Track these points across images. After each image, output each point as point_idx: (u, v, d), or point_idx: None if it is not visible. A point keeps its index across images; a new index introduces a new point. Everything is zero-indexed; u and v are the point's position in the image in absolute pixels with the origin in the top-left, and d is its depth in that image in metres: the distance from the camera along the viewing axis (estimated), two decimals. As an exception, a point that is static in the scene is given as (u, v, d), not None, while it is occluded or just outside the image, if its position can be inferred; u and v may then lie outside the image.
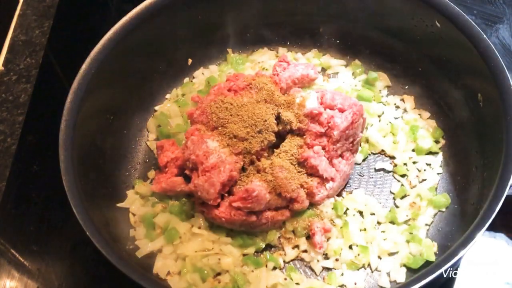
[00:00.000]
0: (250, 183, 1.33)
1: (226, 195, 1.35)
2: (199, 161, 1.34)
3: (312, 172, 1.39)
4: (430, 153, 1.54)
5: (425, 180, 1.49)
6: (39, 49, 1.78)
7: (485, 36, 1.39)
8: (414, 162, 1.52)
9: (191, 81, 1.70)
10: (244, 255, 1.38)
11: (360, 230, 1.41)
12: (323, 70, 1.71)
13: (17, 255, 1.43)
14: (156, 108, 1.65)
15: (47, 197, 1.52)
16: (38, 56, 1.76)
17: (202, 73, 1.71)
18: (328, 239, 1.40)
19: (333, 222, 1.41)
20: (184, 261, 1.36)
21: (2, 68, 1.74)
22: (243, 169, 1.38)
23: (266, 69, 1.65)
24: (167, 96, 1.67)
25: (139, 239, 1.40)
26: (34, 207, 1.51)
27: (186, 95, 1.65)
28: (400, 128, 1.56)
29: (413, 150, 1.54)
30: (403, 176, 1.51)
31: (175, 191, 1.43)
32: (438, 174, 1.50)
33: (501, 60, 1.36)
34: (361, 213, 1.44)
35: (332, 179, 1.41)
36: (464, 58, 1.45)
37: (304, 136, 1.41)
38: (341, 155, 1.44)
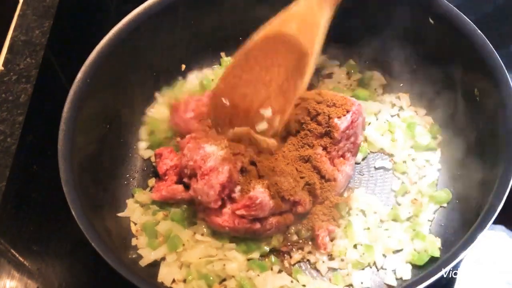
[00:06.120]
0: (253, 190, 1.32)
1: (227, 201, 1.34)
2: (197, 166, 1.33)
3: (314, 173, 1.39)
4: (429, 149, 1.54)
5: (425, 176, 1.50)
6: (39, 49, 1.77)
7: (481, 33, 1.39)
8: (413, 159, 1.52)
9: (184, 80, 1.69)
10: (248, 259, 1.37)
11: (364, 229, 1.41)
12: (318, 70, 1.70)
13: (17, 255, 1.43)
14: (148, 112, 1.63)
15: (47, 197, 1.52)
16: (38, 56, 1.76)
17: (196, 76, 1.70)
18: (332, 240, 1.39)
19: (337, 222, 1.41)
20: (188, 268, 1.35)
21: (2, 68, 1.74)
22: (243, 171, 1.37)
23: None
24: (157, 94, 1.66)
25: (141, 248, 1.39)
26: (34, 207, 1.50)
27: (178, 97, 1.63)
28: (397, 126, 1.56)
29: (412, 147, 1.54)
30: (403, 173, 1.51)
31: (176, 198, 1.42)
32: (437, 170, 1.51)
33: (499, 59, 1.36)
34: (363, 212, 1.44)
35: (335, 180, 1.40)
36: (460, 55, 1.45)
37: (305, 137, 1.41)
38: (342, 156, 1.44)
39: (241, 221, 1.32)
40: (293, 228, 1.40)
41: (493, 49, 1.37)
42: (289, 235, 1.40)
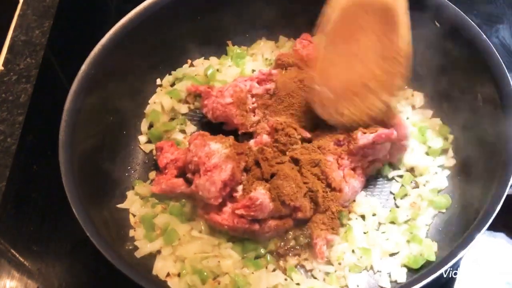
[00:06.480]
0: (254, 191, 1.32)
1: (228, 200, 1.35)
2: (201, 162, 1.34)
3: (321, 178, 1.37)
4: (442, 153, 1.52)
5: (428, 182, 1.48)
6: (39, 49, 1.77)
7: (485, 36, 1.39)
8: (428, 167, 1.49)
9: (192, 65, 1.70)
10: (243, 258, 1.37)
11: (363, 233, 1.40)
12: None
13: (17, 255, 1.43)
14: (149, 101, 1.64)
15: (47, 197, 1.52)
16: (38, 56, 1.76)
17: (202, 63, 1.71)
18: (330, 247, 1.38)
19: (336, 231, 1.38)
20: (183, 262, 1.35)
21: (2, 68, 1.74)
22: (247, 170, 1.37)
23: (270, 61, 1.67)
24: (158, 81, 1.67)
25: (138, 240, 1.40)
26: (34, 207, 1.51)
27: (182, 82, 1.65)
28: (412, 137, 1.52)
29: (426, 153, 1.52)
30: (412, 181, 1.49)
31: (175, 192, 1.42)
32: (447, 176, 1.48)
33: (501, 60, 1.36)
34: (363, 216, 1.43)
35: (340, 190, 1.38)
36: (463, 58, 1.45)
37: (321, 139, 1.41)
38: (353, 169, 1.42)
39: (240, 220, 1.32)
40: (291, 233, 1.39)
41: (496, 53, 1.37)
42: (286, 240, 1.39)
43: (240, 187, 1.36)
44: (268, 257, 1.37)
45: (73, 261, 1.43)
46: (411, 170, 1.51)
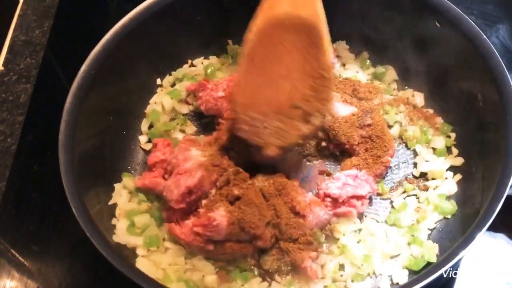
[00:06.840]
0: (215, 211, 1.29)
1: (192, 213, 1.33)
2: (177, 164, 1.34)
3: (287, 202, 1.34)
4: (448, 152, 1.52)
5: (439, 186, 1.46)
6: (39, 49, 1.77)
7: (485, 36, 1.39)
8: (442, 171, 1.48)
9: (192, 65, 1.70)
10: (231, 271, 1.33)
11: (358, 242, 1.37)
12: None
13: (17, 255, 1.43)
14: (150, 101, 1.64)
15: (47, 197, 1.52)
16: (38, 56, 1.76)
17: (202, 63, 1.71)
18: (322, 266, 1.34)
19: (316, 252, 1.34)
20: (161, 269, 1.32)
21: (2, 68, 1.74)
22: (218, 186, 1.34)
23: None
24: (158, 81, 1.66)
25: (119, 229, 1.37)
26: (34, 207, 1.50)
27: (182, 82, 1.65)
28: (415, 139, 1.53)
29: (434, 154, 1.51)
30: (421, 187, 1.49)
31: (157, 190, 1.39)
32: (456, 182, 1.46)
33: (501, 60, 1.36)
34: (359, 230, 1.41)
35: (304, 217, 1.34)
36: (464, 58, 1.45)
37: None
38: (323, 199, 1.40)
39: (196, 238, 1.29)
40: (270, 263, 1.33)
41: (496, 53, 1.37)
42: (267, 269, 1.33)
43: (205, 200, 1.33)
44: (256, 270, 1.34)
45: (73, 261, 1.43)
46: (423, 175, 1.50)
